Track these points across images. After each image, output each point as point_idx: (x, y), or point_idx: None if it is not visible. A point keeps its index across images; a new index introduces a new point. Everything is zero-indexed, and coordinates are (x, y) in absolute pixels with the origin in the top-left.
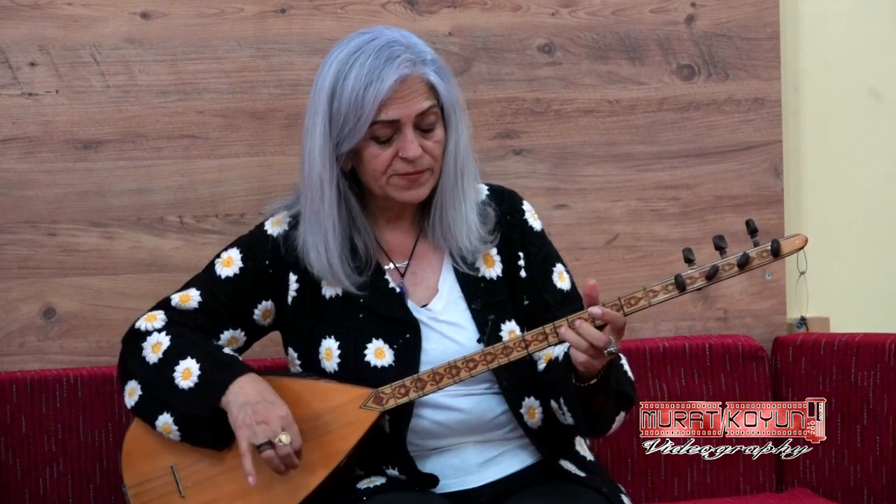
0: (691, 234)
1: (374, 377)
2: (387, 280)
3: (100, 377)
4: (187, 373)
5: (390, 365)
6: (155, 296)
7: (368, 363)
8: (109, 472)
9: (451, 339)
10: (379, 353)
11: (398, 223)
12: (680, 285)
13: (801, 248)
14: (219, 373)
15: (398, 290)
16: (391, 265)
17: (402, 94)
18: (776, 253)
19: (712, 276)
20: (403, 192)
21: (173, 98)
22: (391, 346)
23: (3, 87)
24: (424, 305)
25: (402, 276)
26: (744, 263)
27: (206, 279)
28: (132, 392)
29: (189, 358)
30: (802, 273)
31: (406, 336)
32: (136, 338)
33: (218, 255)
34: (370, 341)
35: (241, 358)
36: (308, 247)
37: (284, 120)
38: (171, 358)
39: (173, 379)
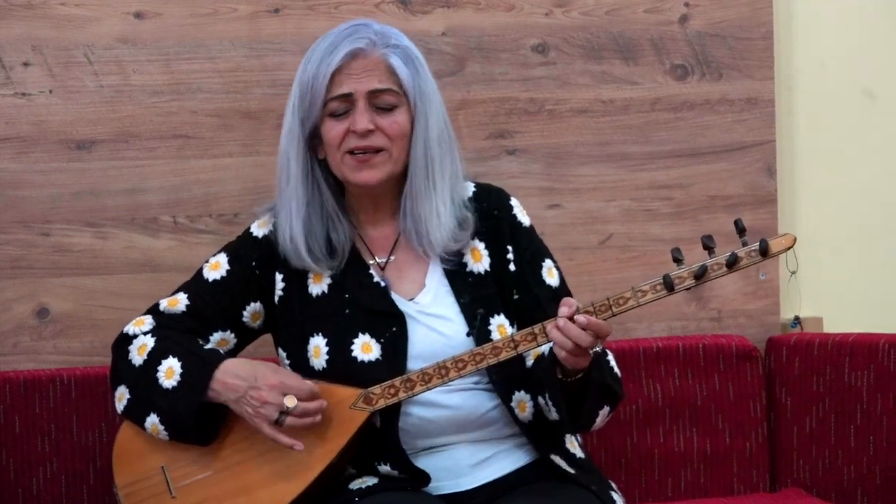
0: (685, 234)
1: (361, 372)
2: (371, 275)
3: (93, 377)
4: (170, 372)
5: (377, 359)
6: (148, 296)
7: (356, 358)
8: (103, 472)
9: (438, 332)
10: (366, 348)
11: (378, 217)
12: (668, 285)
13: (790, 247)
14: (197, 368)
15: (382, 284)
16: (374, 260)
17: (356, 70)
18: (764, 252)
19: (701, 275)
20: (356, 173)
21: (167, 98)
22: (378, 340)
23: None
24: (411, 299)
25: (383, 269)
26: (732, 263)
27: (193, 284)
28: (121, 396)
29: (171, 357)
30: (793, 273)
31: (392, 329)
32: (124, 342)
33: (206, 261)
34: (357, 336)
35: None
36: (278, 229)
37: (278, 120)
38: (154, 358)
39: (157, 379)
